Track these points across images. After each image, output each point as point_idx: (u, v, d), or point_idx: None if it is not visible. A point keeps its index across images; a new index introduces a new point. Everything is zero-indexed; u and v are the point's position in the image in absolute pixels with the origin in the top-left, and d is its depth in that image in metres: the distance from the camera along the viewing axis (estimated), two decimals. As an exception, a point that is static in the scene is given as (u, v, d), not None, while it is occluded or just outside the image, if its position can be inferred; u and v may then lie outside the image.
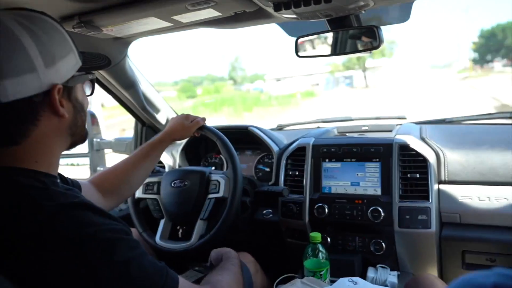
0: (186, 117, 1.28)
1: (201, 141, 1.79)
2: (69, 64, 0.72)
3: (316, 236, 1.14)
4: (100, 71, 1.49)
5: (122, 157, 1.21)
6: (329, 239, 1.38)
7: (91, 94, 0.85)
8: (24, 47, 0.64)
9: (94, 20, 1.13)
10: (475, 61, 48.94)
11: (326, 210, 1.36)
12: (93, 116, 1.85)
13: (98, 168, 1.91)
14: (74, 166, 1.90)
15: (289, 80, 47.13)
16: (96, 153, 1.90)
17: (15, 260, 0.58)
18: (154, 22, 1.19)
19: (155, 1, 1.05)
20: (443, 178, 1.30)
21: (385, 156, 1.34)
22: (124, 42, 1.42)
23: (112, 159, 1.95)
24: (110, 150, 1.93)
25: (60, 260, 0.59)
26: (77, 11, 1.11)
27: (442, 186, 1.29)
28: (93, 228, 0.62)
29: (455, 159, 1.30)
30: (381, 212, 1.28)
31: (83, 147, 1.80)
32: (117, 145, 1.90)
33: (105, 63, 0.89)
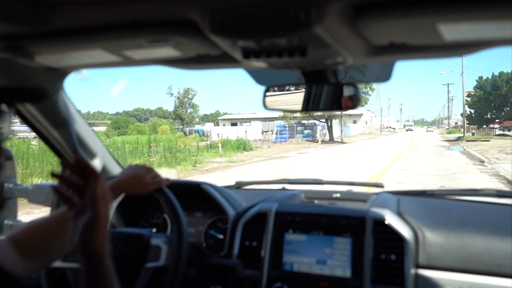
0: (149, 170, 1.24)
1: (141, 196, 1.74)
2: None
3: None
4: (25, 105, 1.44)
5: (40, 209, 1.15)
6: None
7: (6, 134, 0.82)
8: None
9: (26, 46, 1.11)
10: (471, 119, 45.82)
11: None
12: (8, 156, 1.77)
13: (6, 222, 1.79)
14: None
15: (246, 125, 45.04)
16: (6, 202, 1.79)
17: None
18: (101, 55, 1.18)
19: (105, 33, 1.05)
20: (421, 262, 1.33)
21: (357, 231, 1.36)
22: (60, 73, 1.40)
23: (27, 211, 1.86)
24: (26, 199, 1.82)
25: None
26: (5, 33, 1.08)
27: (420, 271, 1.31)
28: None
29: (435, 241, 1.34)
30: None
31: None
32: (35, 194, 1.81)
33: (37, 96, 0.87)
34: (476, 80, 47.86)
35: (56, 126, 1.54)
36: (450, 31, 0.92)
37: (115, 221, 1.68)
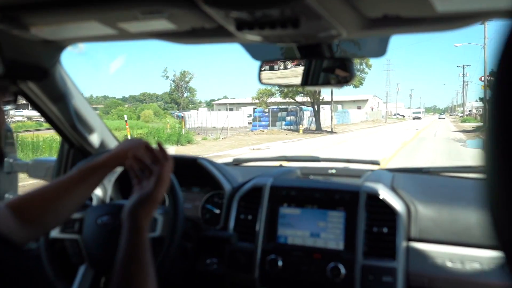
0: (143, 143, 1.16)
1: (140, 172, 1.76)
2: None
3: None
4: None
5: (40, 184, 1.16)
6: None
7: (13, 108, 0.84)
8: None
9: (21, 17, 1.11)
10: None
11: (280, 264, 1.36)
12: (8, 131, 1.78)
13: (6, 195, 1.81)
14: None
15: (243, 110, 43.03)
16: (6, 176, 1.81)
17: None
18: (96, 28, 1.19)
19: (99, 3, 1.05)
20: (413, 235, 1.34)
21: (351, 205, 1.38)
22: (56, 46, 1.40)
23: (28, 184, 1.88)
24: (26, 174, 1.84)
25: None
26: (1, 4, 1.09)
27: (411, 244, 1.33)
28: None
29: (427, 215, 1.36)
30: (342, 270, 1.30)
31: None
32: (35, 169, 1.83)
33: (40, 75, 0.90)
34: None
35: (54, 100, 1.55)
36: (442, 1, 0.91)
37: (113, 194, 1.70)
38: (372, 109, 66.27)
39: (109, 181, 1.71)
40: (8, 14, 1.10)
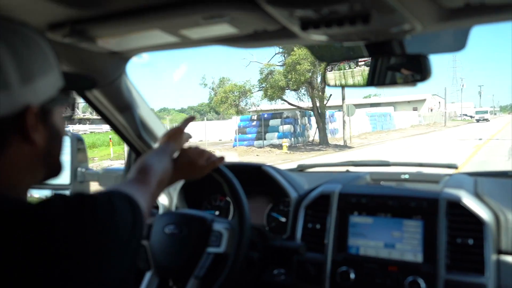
0: (201, 153, 1.20)
1: (204, 180, 1.75)
2: (49, 82, 0.72)
3: None
4: (92, 90, 1.50)
5: None
6: None
7: (71, 118, 0.85)
8: None
9: (88, 30, 1.14)
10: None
11: (352, 276, 1.30)
12: (79, 140, 1.85)
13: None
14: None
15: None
16: (79, 186, 1.88)
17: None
18: (159, 36, 1.20)
19: (161, 12, 1.07)
20: (504, 247, 1.23)
21: (429, 213, 1.28)
22: (121, 58, 1.43)
23: None
24: (97, 183, 1.91)
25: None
26: (69, 18, 1.12)
27: (503, 257, 1.22)
28: None
29: None
30: (422, 285, 1.21)
31: (64, 178, 1.79)
32: (105, 178, 1.89)
33: (92, 84, 0.95)
34: None
35: (121, 110, 1.59)
36: None
37: (178, 203, 1.72)
38: (431, 110, 56.08)
39: (175, 190, 1.73)
40: (76, 27, 1.13)
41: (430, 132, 31.60)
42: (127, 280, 0.72)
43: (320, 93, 21.18)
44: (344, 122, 22.50)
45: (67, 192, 1.87)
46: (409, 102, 52.67)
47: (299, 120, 23.34)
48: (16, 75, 0.66)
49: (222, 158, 1.25)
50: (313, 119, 23.25)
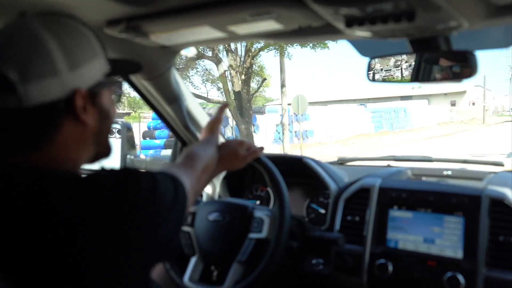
0: (241, 143, 1.23)
1: (246, 170, 1.80)
2: (95, 68, 0.78)
3: None
4: (143, 82, 1.57)
5: None
6: None
7: (119, 101, 0.91)
8: (47, 50, 0.70)
9: (142, 26, 1.20)
10: None
11: (390, 269, 1.31)
12: (128, 128, 1.94)
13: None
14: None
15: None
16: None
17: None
18: (207, 32, 1.24)
19: (211, 9, 1.10)
20: None
21: (471, 210, 1.27)
22: (171, 51, 1.49)
23: None
24: (144, 170, 1.99)
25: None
26: (125, 15, 1.18)
27: None
28: None
29: None
30: (462, 280, 1.20)
31: (114, 164, 1.88)
32: (153, 165, 1.97)
33: (136, 68, 0.97)
34: None
35: (169, 102, 1.66)
36: None
37: (221, 192, 1.77)
38: (473, 103, 44.55)
39: (217, 179, 1.78)
40: (131, 24, 1.19)
41: (456, 133, 23.70)
42: (165, 251, 0.77)
43: (239, 79, 13.88)
44: (283, 124, 15.75)
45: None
46: (445, 94, 41.03)
47: (230, 120, 15.83)
48: (63, 63, 0.71)
49: (262, 148, 1.28)
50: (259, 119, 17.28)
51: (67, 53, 0.72)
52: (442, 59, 1.22)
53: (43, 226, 0.65)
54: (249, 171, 1.82)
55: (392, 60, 1.31)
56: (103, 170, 0.74)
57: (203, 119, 1.83)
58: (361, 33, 1.12)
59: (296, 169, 1.66)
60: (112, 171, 0.73)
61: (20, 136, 0.72)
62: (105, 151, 0.88)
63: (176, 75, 1.63)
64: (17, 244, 0.65)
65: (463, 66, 1.16)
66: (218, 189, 1.77)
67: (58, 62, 0.71)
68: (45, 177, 0.70)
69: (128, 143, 2.00)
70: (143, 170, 0.78)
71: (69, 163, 0.77)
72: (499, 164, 1.65)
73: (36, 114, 0.71)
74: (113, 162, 1.95)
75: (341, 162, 1.95)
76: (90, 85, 0.77)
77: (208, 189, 1.78)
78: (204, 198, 1.75)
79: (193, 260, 1.37)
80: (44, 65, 0.70)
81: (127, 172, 0.74)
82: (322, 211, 1.66)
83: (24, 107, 0.69)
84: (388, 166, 1.87)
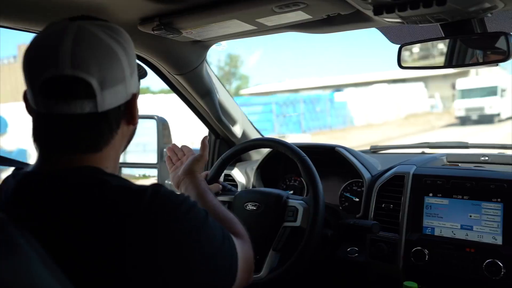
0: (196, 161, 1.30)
1: (279, 160, 1.82)
2: (137, 72, 0.85)
3: (413, 286, 1.09)
4: (176, 77, 1.60)
5: None
6: None
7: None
8: (119, 59, 0.75)
9: (174, 22, 1.23)
10: None
11: (427, 256, 1.30)
12: (164, 123, 1.98)
13: (166, 182, 2.03)
14: (143, 179, 2.04)
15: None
16: (165, 165, 2.03)
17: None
18: (237, 25, 1.26)
19: (239, 3, 1.12)
20: None
21: (510, 196, 1.24)
22: (203, 46, 1.52)
23: None
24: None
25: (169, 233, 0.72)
26: (157, 12, 1.22)
27: None
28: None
29: None
30: (502, 267, 1.18)
31: (152, 158, 1.93)
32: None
33: (142, 73, 0.99)
34: None
35: (202, 96, 1.69)
36: None
37: (255, 182, 1.79)
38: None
39: (252, 169, 1.81)
40: (163, 20, 1.23)
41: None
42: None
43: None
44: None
45: (155, 171, 2.03)
46: (445, 76, 26.79)
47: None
48: (127, 70, 0.77)
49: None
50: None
51: (129, 61, 0.78)
52: (476, 42, 1.19)
53: (107, 230, 0.68)
54: (282, 161, 1.84)
55: (424, 46, 1.29)
56: (159, 189, 0.75)
57: (235, 112, 1.86)
58: (391, 19, 1.11)
59: (329, 159, 1.66)
60: (172, 196, 0.75)
61: (88, 138, 0.76)
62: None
63: (208, 69, 1.65)
64: (77, 243, 0.67)
65: (498, 49, 1.13)
66: (252, 179, 1.79)
67: (125, 70, 0.76)
68: (104, 180, 0.73)
69: (164, 137, 2.05)
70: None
71: (112, 162, 0.81)
72: None
73: (105, 118, 0.75)
74: (150, 156, 2.00)
75: (374, 150, 1.93)
76: (137, 88, 0.83)
77: (242, 179, 1.81)
78: (239, 188, 1.78)
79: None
80: (117, 74, 0.75)
81: (184, 201, 0.77)
82: (356, 199, 1.66)
83: (97, 112, 0.73)
84: (423, 153, 1.84)
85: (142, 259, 0.68)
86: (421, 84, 25.70)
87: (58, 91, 0.71)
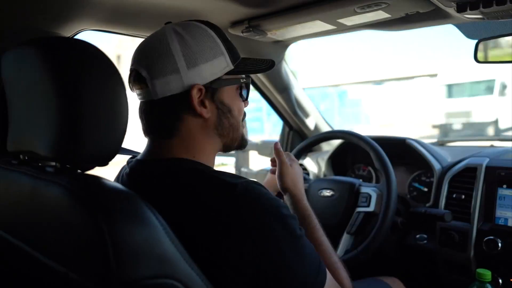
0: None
1: (348, 151, 1.81)
2: (214, 67, 0.78)
3: (486, 273, 1.03)
4: (257, 75, 1.64)
5: (266, 159, 1.29)
6: (500, 281, 1.26)
7: (246, 99, 0.87)
8: (170, 51, 0.75)
9: (261, 25, 1.26)
10: None
11: (500, 245, 1.24)
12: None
13: (242, 169, 2.10)
14: (221, 166, 2.12)
15: None
16: (241, 154, 2.09)
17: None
18: (318, 25, 1.27)
19: (323, 5, 1.12)
20: None
21: None
22: (283, 45, 1.54)
23: (256, 160, 2.12)
24: (255, 152, 2.09)
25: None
26: (247, 16, 1.26)
27: None
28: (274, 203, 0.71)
29: None
30: None
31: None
32: (263, 148, 2.06)
33: (269, 66, 0.91)
34: None
35: (280, 91, 1.72)
36: None
37: (326, 171, 1.80)
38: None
39: (323, 159, 1.82)
40: (252, 23, 1.26)
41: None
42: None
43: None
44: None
45: (233, 160, 2.09)
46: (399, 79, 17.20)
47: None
48: (183, 62, 0.75)
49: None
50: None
51: (188, 54, 0.75)
52: None
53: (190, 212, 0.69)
54: (350, 152, 1.83)
55: (498, 41, 1.23)
56: (243, 182, 0.72)
57: (309, 106, 1.87)
58: (471, 16, 1.07)
59: (399, 150, 1.63)
60: (254, 189, 0.71)
61: (156, 123, 0.79)
62: (236, 144, 0.87)
63: (286, 67, 1.68)
64: (180, 221, 0.67)
65: None
66: (323, 168, 1.80)
67: (179, 62, 0.75)
68: (182, 167, 0.75)
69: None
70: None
71: (198, 152, 0.79)
72: None
73: (161, 106, 0.77)
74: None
75: (441, 143, 1.87)
76: (209, 82, 0.77)
77: (314, 168, 1.82)
78: (311, 176, 1.80)
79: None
80: (167, 65, 0.75)
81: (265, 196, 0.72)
82: (425, 189, 1.61)
83: (154, 100, 0.76)
84: (491, 146, 1.75)
85: (231, 245, 0.67)
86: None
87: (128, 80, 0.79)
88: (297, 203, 0.99)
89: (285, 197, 1.00)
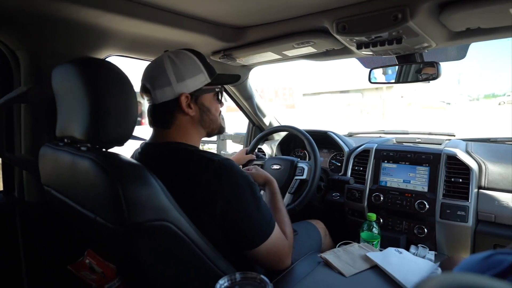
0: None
1: (291, 139, 1.85)
2: (196, 80, 0.76)
3: (372, 215, 1.10)
4: (230, 87, 1.64)
5: (237, 145, 1.28)
6: (381, 220, 1.33)
7: (220, 102, 0.85)
8: (165, 71, 0.74)
9: (233, 54, 1.26)
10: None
11: (382, 198, 1.31)
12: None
13: (221, 152, 2.09)
14: (209, 149, 2.11)
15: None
16: (221, 142, 2.09)
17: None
18: (270, 55, 1.28)
19: (272, 41, 1.14)
20: (483, 185, 1.17)
21: (434, 162, 1.25)
22: (247, 68, 1.54)
23: (231, 146, 2.11)
24: (230, 140, 2.09)
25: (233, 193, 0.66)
26: (223, 48, 1.25)
27: (481, 191, 1.17)
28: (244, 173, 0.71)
29: (495, 171, 1.17)
30: (426, 205, 1.20)
31: (213, 137, 1.98)
32: (235, 138, 2.04)
33: (235, 80, 0.90)
34: None
35: (246, 99, 1.72)
36: None
37: (276, 152, 1.82)
38: (401, 97, 18.20)
39: (274, 145, 1.84)
40: (226, 53, 1.26)
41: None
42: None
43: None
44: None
45: (215, 146, 2.08)
46: (377, 89, 17.05)
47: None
48: (173, 77, 0.74)
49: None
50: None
51: (177, 72, 0.73)
52: (417, 67, 1.20)
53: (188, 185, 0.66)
54: (292, 140, 1.85)
55: (384, 69, 1.30)
56: (221, 158, 0.71)
57: (267, 110, 1.87)
58: (366, 52, 1.12)
59: (322, 138, 1.66)
60: (226, 164, 0.70)
61: (159, 119, 0.78)
62: (216, 131, 0.85)
63: (250, 83, 1.69)
64: (176, 184, 0.66)
65: (430, 72, 1.15)
66: (275, 150, 1.82)
67: (171, 77, 0.73)
68: (179, 148, 0.73)
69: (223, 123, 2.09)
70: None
71: (188, 138, 0.78)
72: (452, 134, 1.59)
73: (161, 108, 0.76)
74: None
75: (350, 134, 1.94)
76: (193, 91, 0.76)
77: (268, 151, 1.84)
78: (267, 156, 1.82)
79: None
80: (163, 80, 0.73)
81: (234, 169, 0.70)
82: (339, 164, 1.66)
83: (155, 104, 0.76)
84: (380, 137, 1.84)
85: (209, 199, 0.66)
86: (359, 95, 19.13)
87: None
88: (270, 184, 0.99)
89: (266, 188, 0.98)
